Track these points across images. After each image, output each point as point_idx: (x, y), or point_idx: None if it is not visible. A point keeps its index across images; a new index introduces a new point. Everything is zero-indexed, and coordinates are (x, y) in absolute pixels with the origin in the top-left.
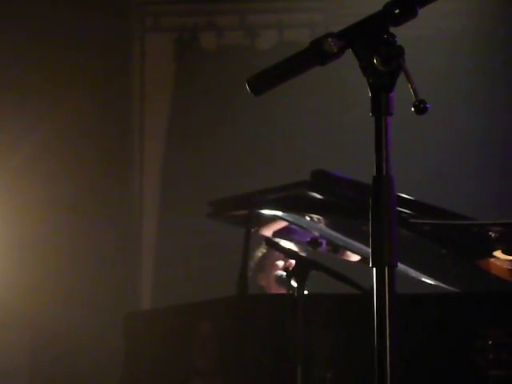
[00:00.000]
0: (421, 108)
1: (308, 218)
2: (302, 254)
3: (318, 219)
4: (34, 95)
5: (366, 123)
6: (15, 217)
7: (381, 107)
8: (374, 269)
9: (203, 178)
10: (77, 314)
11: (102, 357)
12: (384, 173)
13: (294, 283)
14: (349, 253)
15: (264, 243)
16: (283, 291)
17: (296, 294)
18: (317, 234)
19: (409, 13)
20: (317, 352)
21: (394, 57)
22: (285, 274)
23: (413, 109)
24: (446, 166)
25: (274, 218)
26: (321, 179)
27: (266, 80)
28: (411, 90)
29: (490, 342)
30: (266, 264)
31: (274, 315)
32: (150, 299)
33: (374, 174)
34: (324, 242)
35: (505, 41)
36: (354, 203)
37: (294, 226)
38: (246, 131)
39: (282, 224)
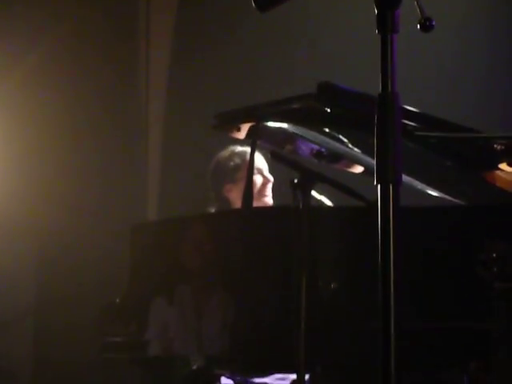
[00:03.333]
0: (427, 26)
1: (313, 131)
2: (307, 167)
3: (324, 132)
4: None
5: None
6: (21, 127)
7: (386, 25)
8: (379, 185)
9: (209, 90)
10: (83, 224)
11: (108, 268)
12: (389, 90)
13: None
14: (355, 165)
15: (269, 155)
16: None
17: (301, 206)
18: (322, 146)
19: None
20: (322, 264)
21: None
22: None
23: (418, 26)
24: (453, 73)
25: (280, 130)
26: (327, 91)
27: None
28: (417, 8)
29: (494, 255)
30: (239, 177)
31: (279, 227)
32: (156, 211)
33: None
34: (328, 154)
35: None
36: (360, 115)
37: (299, 138)
38: (252, 42)
39: (287, 136)
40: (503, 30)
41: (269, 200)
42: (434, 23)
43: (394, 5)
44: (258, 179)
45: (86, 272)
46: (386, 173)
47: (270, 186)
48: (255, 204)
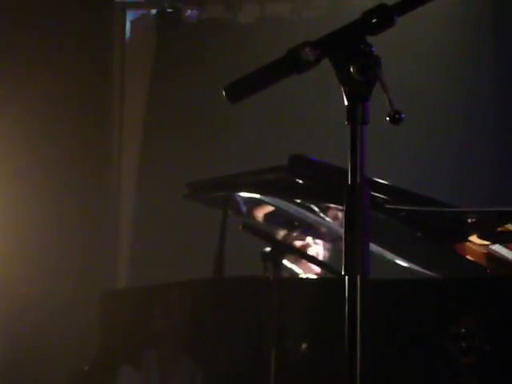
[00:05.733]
0: (396, 118)
1: (285, 202)
2: (279, 238)
3: (295, 202)
4: None
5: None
6: None
7: (356, 116)
8: (346, 277)
9: (182, 160)
10: (52, 287)
11: (77, 327)
12: (358, 182)
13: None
14: (327, 235)
15: (240, 227)
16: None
17: (272, 277)
18: (293, 216)
19: (386, 22)
20: (291, 334)
21: (371, 67)
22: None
23: (388, 119)
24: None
25: (252, 201)
26: (298, 164)
27: (243, 88)
28: (386, 101)
29: (463, 330)
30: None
31: (249, 298)
32: (126, 277)
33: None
34: (300, 224)
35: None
36: (330, 187)
37: (271, 209)
38: (225, 111)
39: (259, 207)
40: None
41: None
42: (403, 116)
43: (364, 98)
44: None
45: (54, 335)
46: (354, 265)
47: None
48: None
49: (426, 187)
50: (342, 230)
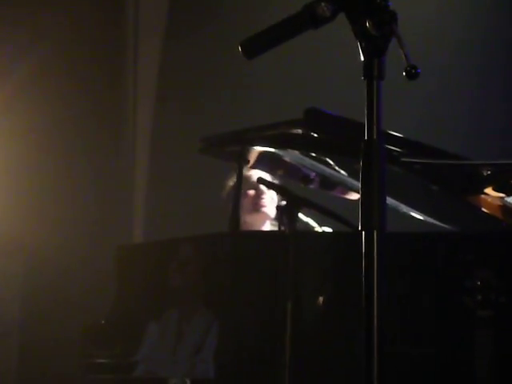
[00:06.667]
0: (412, 73)
1: (300, 155)
2: (294, 192)
3: (311, 156)
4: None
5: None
6: (3, 142)
7: (373, 71)
8: (363, 232)
9: (197, 116)
10: (69, 242)
11: (92, 283)
12: (375, 137)
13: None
14: (343, 189)
15: (256, 180)
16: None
17: (287, 231)
18: (309, 170)
19: None
20: (307, 289)
21: (387, 22)
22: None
23: (404, 73)
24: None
25: (267, 155)
26: (314, 117)
27: (259, 44)
28: (403, 55)
29: (479, 283)
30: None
31: (265, 252)
32: (141, 231)
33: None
34: (315, 178)
35: None
36: (346, 141)
37: (285, 163)
38: (239, 69)
39: (273, 160)
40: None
41: (266, 211)
42: (419, 71)
43: (380, 53)
44: (251, 193)
45: (71, 289)
46: (371, 220)
47: (266, 198)
48: (253, 217)
49: (440, 141)
50: (358, 185)
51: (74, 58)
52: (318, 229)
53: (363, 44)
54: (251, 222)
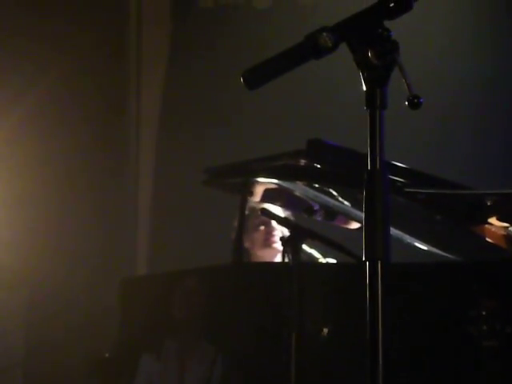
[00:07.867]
0: (415, 103)
1: (303, 186)
2: (297, 223)
3: (314, 187)
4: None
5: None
6: (8, 174)
7: (375, 101)
8: (367, 263)
9: (200, 147)
10: (74, 276)
11: (96, 316)
12: (378, 167)
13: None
14: (346, 220)
15: (259, 212)
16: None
17: (291, 263)
18: (312, 201)
19: (404, 6)
20: (311, 319)
21: (389, 51)
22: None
23: (407, 103)
24: (443, 130)
25: (270, 186)
26: (316, 148)
27: (261, 74)
28: (405, 85)
29: (484, 313)
30: (250, 225)
31: (268, 283)
32: (145, 264)
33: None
34: (319, 209)
35: None
36: (349, 172)
37: (289, 194)
38: (242, 97)
39: (277, 192)
40: None
41: (278, 246)
42: (422, 100)
43: (382, 82)
44: (263, 228)
45: (74, 322)
46: (375, 250)
47: (277, 232)
48: (265, 252)
49: (442, 171)
50: (361, 215)
51: (79, 89)
52: (322, 260)
53: (365, 74)
54: (262, 256)
